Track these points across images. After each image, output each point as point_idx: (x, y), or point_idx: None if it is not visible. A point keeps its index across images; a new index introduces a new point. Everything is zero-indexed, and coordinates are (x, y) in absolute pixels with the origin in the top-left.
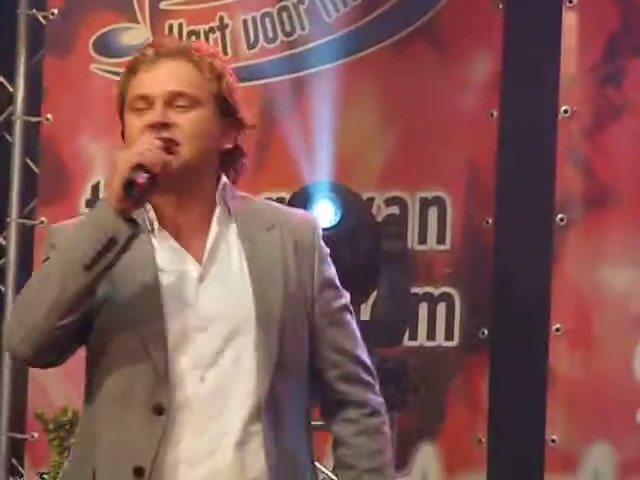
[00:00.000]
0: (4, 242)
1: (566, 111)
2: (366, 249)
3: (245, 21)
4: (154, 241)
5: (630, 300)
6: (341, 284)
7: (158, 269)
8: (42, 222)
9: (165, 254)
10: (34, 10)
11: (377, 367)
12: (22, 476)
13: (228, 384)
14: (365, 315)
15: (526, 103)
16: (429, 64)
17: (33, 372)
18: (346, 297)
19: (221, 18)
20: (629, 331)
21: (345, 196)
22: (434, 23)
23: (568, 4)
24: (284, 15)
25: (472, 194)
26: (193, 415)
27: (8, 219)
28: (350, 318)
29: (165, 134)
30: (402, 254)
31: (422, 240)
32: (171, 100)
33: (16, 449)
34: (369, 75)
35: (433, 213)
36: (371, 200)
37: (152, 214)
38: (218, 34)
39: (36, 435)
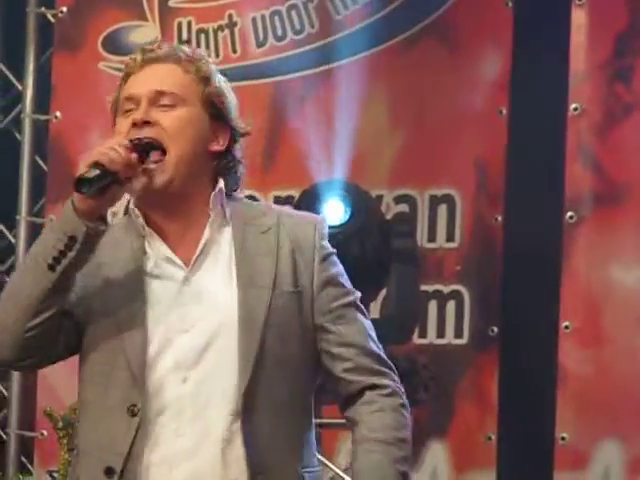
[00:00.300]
0: (13, 240)
1: (576, 109)
2: (375, 247)
3: (254, 19)
4: (147, 246)
5: None
6: (350, 282)
7: (146, 274)
8: (51, 220)
9: (155, 259)
10: (43, 8)
11: None
12: (31, 474)
13: (209, 385)
14: (375, 313)
15: (536, 101)
16: (439, 62)
17: (42, 370)
18: (353, 295)
19: (230, 16)
20: (639, 328)
21: (354, 194)
22: (444, 21)
23: (577, 2)
24: (293, 13)
25: (482, 192)
26: (174, 416)
27: (17, 217)
28: (358, 315)
29: (147, 133)
30: (412, 252)
31: (431, 238)
32: (156, 99)
33: (25, 447)
34: (379, 73)
35: (443, 211)
36: (380, 198)
37: (141, 219)
38: (227, 32)
39: (45, 433)
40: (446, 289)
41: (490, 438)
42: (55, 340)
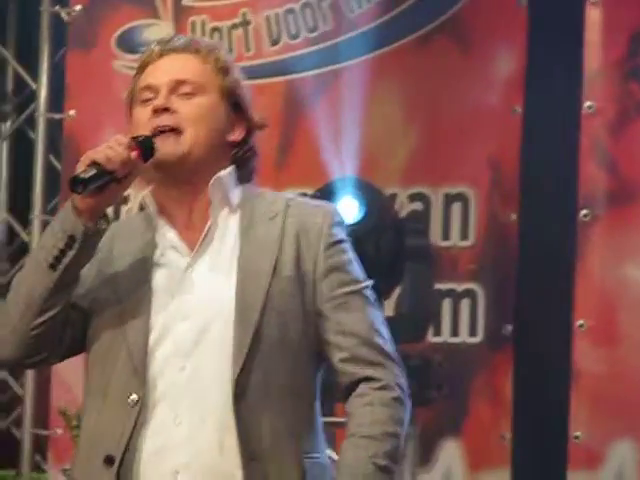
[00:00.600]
0: (27, 238)
1: (590, 107)
2: (389, 245)
3: (268, 17)
4: (157, 236)
5: None
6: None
7: (153, 264)
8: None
9: (163, 247)
10: (57, 7)
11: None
12: (46, 472)
13: (207, 373)
14: (389, 311)
15: (549, 99)
16: (452, 60)
17: (56, 368)
18: (360, 284)
19: (244, 14)
20: None
21: (368, 192)
22: (457, 19)
23: (591, 0)
24: (307, 11)
25: (496, 190)
26: (172, 405)
27: (31, 216)
28: (364, 304)
29: (166, 120)
30: (425, 250)
31: (445, 236)
32: (175, 88)
33: (40, 445)
34: (392, 71)
35: (457, 209)
36: (394, 196)
37: (153, 207)
38: (241, 30)
39: (59, 431)
40: (460, 287)
41: (504, 437)
42: (62, 337)
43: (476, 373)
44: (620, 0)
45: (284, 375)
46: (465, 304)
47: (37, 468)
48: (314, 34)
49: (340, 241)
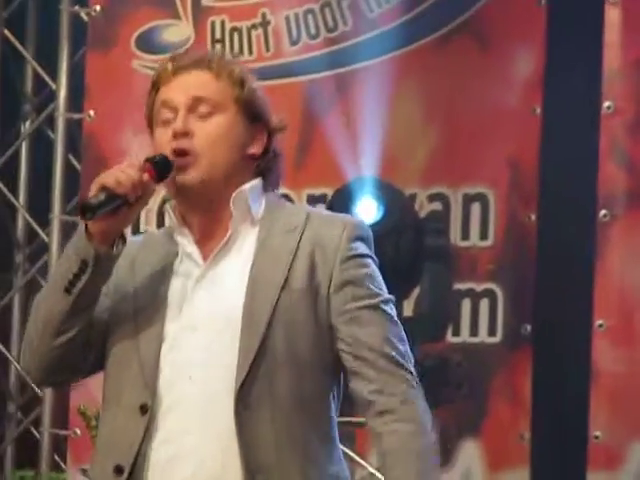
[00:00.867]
0: (47, 239)
1: (609, 107)
2: (409, 245)
3: (287, 17)
4: (178, 246)
5: None
6: (384, 280)
7: (172, 274)
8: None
9: (183, 257)
10: (77, 7)
11: (420, 363)
12: (65, 472)
13: (215, 383)
14: (408, 311)
15: (569, 99)
16: (472, 60)
17: None
18: (378, 298)
19: (263, 14)
20: None
21: (388, 192)
22: (477, 19)
23: (610, 0)
24: (326, 11)
25: (515, 190)
26: (182, 414)
27: (51, 216)
28: (379, 318)
29: (184, 144)
30: (445, 250)
31: (465, 236)
32: (193, 106)
33: (59, 445)
34: (412, 71)
35: (476, 209)
36: (414, 196)
37: (174, 217)
38: (260, 30)
39: (79, 431)
40: (479, 287)
41: (523, 437)
42: (85, 356)
43: (495, 373)
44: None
45: (291, 388)
46: (484, 304)
47: (56, 468)
48: (334, 34)
49: (359, 255)
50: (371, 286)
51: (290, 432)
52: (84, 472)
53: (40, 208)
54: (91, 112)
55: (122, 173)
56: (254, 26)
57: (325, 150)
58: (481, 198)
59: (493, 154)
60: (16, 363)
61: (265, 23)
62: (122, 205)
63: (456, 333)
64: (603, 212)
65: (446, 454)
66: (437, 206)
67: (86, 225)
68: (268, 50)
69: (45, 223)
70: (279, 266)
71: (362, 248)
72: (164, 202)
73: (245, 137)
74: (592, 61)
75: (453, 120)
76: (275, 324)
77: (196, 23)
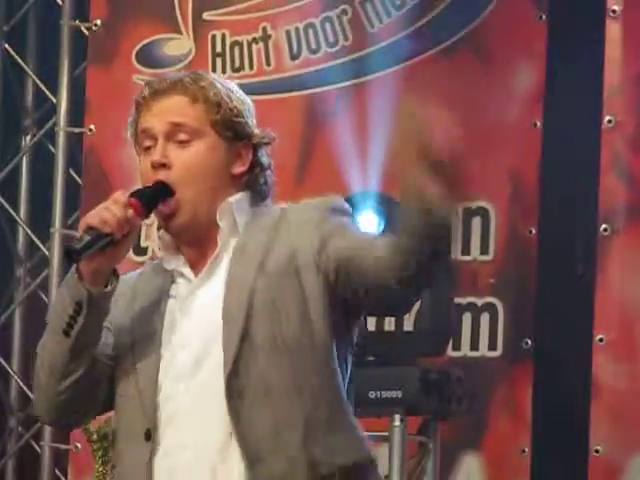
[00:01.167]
0: (48, 253)
1: (610, 121)
2: None
3: (288, 32)
4: (174, 270)
5: None
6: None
7: (169, 297)
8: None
9: (177, 279)
10: (77, 21)
11: (420, 377)
12: None
13: (207, 393)
14: (409, 325)
15: (570, 113)
16: (473, 74)
17: None
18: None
19: (264, 29)
20: None
21: (389, 206)
22: (477, 34)
23: (611, 14)
24: (327, 26)
25: (516, 204)
26: (178, 427)
27: (51, 230)
28: (350, 230)
29: (164, 176)
30: (445, 264)
31: (465, 250)
32: (172, 134)
33: (60, 460)
34: (412, 86)
35: (477, 223)
36: None
37: (164, 250)
38: (261, 45)
39: (79, 445)
40: (480, 302)
41: (524, 451)
42: (95, 394)
43: (496, 387)
44: None
45: (282, 371)
46: (485, 318)
47: None
48: (334, 49)
49: (333, 214)
50: (346, 225)
51: (288, 415)
52: None
53: (41, 222)
54: (92, 126)
55: (107, 212)
56: (255, 40)
57: (326, 164)
58: (482, 212)
59: (494, 168)
60: (17, 377)
61: (266, 37)
62: (109, 244)
63: (457, 347)
64: (604, 226)
65: (447, 468)
66: None
67: (77, 266)
68: (269, 64)
69: (46, 237)
70: (253, 261)
71: (337, 217)
72: None
73: (228, 158)
74: (593, 75)
75: (454, 134)
76: (255, 312)
77: (197, 37)
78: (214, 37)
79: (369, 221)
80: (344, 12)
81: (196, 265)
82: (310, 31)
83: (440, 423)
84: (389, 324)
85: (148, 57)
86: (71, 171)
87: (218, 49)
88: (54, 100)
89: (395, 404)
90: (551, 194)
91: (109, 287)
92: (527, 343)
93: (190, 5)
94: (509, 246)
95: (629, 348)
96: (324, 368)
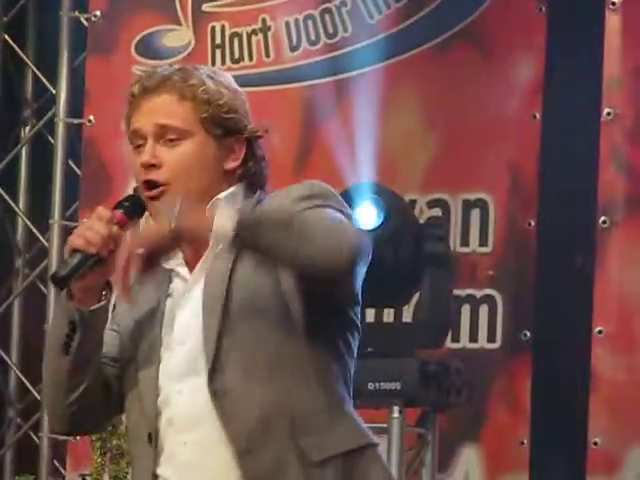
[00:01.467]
0: (47, 244)
1: (609, 113)
2: (408, 251)
3: (287, 23)
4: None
5: None
6: (383, 286)
7: (167, 296)
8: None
9: (174, 278)
10: (77, 12)
11: (419, 369)
12: (64, 477)
13: (197, 397)
14: (407, 317)
15: (569, 105)
16: (472, 67)
17: None
18: (311, 202)
19: (264, 20)
20: None
21: (388, 198)
22: (477, 26)
23: (611, 7)
24: (327, 17)
25: (515, 196)
26: (179, 428)
27: (50, 221)
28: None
29: (154, 175)
30: (444, 256)
31: (464, 242)
32: (160, 135)
33: (58, 450)
34: (412, 77)
35: (476, 215)
36: (414, 202)
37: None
38: (260, 36)
39: (78, 437)
40: (479, 293)
41: (523, 442)
42: (105, 402)
43: (495, 379)
44: None
45: (265, 366)
46: (484, 310)
47: (55, 473)
48: (334, 40)
49: (304, 209)
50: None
51: (274, 407)
52: (83, 478)
53: (40, 213)
54: (91, 117)
55: (90, 231)
56: (254, 32)
57: (325, 156)
58: (481, 204)
59: (493, 160)
60: (15, 368)
61: (265, 29)
62: (97, 263)
63: (456, 339)
64: (603, 218)
65: (446, 459)
66: (437, 212)
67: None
68: (268, 56)
69: (45, 228)
70: (230, 253)
71: (309, 203)
72: None
73: (219, 154)
74: (592, 67)
75: (453, 126)
76: (232, 305)
77: (196, 28)
78: (213, 28)
79: (368, 212)
80: (343, 3)
81: (192, 263)
82: (309, 22)
83: (439, 415)
84: (388, 316)
85: (147, 48)
86: (70, 162)
87: (218, 40)
88: (53, 91)
89: (394, 395)
90: (550, 186)
91: (102, 300)
92: (526, 335)
93: None
94: (508, 238)
95: (628, 340)
96: (308, 356)
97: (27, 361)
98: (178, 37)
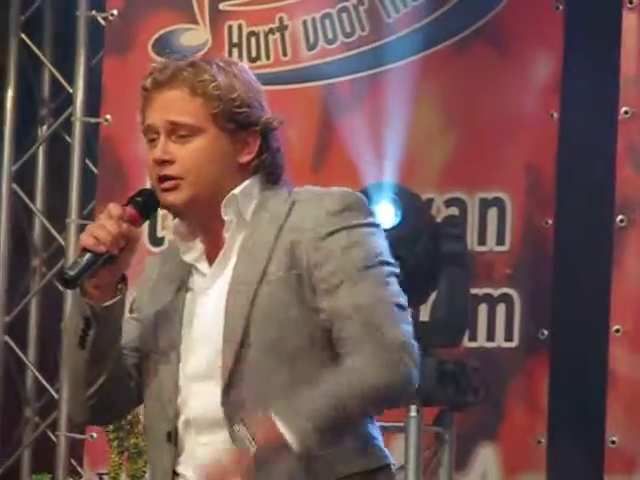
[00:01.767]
0: (64, 243)
1: (626, 112)
2: (426, 250)
3: (305, 22)
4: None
5: None
6: (400, 285)
7: (187, 290)
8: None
9: (193, 271)
10: (94, 11)
11: (437, 368)
12: (81, 476)
13: (213, 395)
14: (425, 316)
15: (586, 104)
16: (489, 65)
17: None
18: (356, 267)
19: (281, 19)
20: None
21: (405, 197)
22: (494, 24)
23: (628, 5)
24: (344, 16)
25: (532, 195)
26: (197, 429)
27: (67, 220)
28: (355, 284)
29: (167, 171)
30: (462, 255)
31: (482, 241)
32: (172, 131)
33: (75, 449)
34: (429, 76)
35: (493, 214)
36: (431, 201)
37: (178, 238)
38: (278, 35)
39: (95, 435)
40: (496, 292)
41: (540, 441)
42: (123, 393)
43: (512, 378)
44: None
45: (283, 383)
46: (501, 309)
47: (73, 472)
48: (351, 39)
49: (340, 229)
50: (352, 255)
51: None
52: (100, 477)
53: (57, 212)
54: (108, 116)
55: (100, 230)
56: (271, 31)
57: (342, 155)
58: (498, 203)
59: (510, 159)
60: (33, 368)
61: (282, 28)
62: (107, 261)
63: (473, 338)
64: (620, 217)
65: (463, 458)
66: (454, 211)
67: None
68: (285, 55)
69: (62, 227)
70: (257, 263)
71: (344, 220)
72: None
73: (232, 148)
74: (609, 66)
75: (470, 125)
76: (255, 319)
77: (213, 27)
78: (230, 27)
79: (385, 211)
80: (361, 2)
81: (210, 257)
82: (327, 21)
83: (456, 414)
84: None
85: (164, 47)
86: (87, 161)
87: (235, 40)
88: (70, 90)
89: None
90: (567, 185)
91: (117, 295)
92: (543, 334)
93: None
94: (525, 237)
95: None
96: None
97: (44, 360)
98: (195, 36)
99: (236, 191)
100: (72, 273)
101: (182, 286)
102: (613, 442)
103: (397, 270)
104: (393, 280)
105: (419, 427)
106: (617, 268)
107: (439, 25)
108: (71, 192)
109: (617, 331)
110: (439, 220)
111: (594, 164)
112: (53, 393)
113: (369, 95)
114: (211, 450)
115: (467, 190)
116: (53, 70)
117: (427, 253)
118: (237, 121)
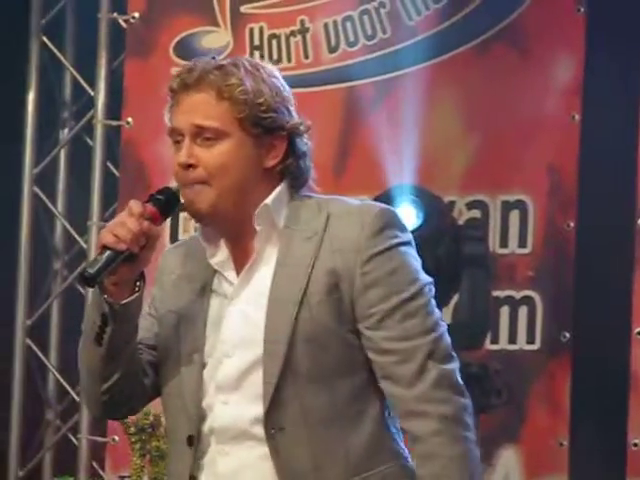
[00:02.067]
0: (85, 246)
1: None
2: (447, 252)
3: (326, 25)
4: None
5: None
6: None
7: (212, 293)
8: None
9: (218, 275)
10: (115, 14)
11: (460, 370)
12: (103, 479)
13: (245, 408)
14: (447, 318)
15: (608, 106)
16: (511, 67)
17: None
18: (404, 294)
19: (302, 22)
20: None
21: (427, 199)
22: (516, 26)
23: None
24: (365, 18)
25: (554, 197)
26: (220, 437)
27: (89, 223)
28: (404, 316)
29: (192, 174)
30: (483, 257)
31: (503, 243)
32: (197, 134)
33: (97, 452)
34: (451, 78)
35: (515, 216)
36: (453, 203)
37: (205, 243)
38: (299, 38)
39: (117, 438)
40: (518, 295)
41: (562, 444)
42: (137, 389)
43: (534, 380)
44: None
45: (323, 403)
46: (523, 311)
47: (94, 475)
48: (372, 41)
49: (380, 252)
50: (397, 282)
51: (328, 448)
52: (122, 479)
53: (78, 215)
54: (129, 119)
55: (121, 228)
56: (293, 33)
57: (365, 157)
58: (520, 205)
59: (532, 161)
60: (54, 370)
61: (304, 30)
62: (127, 258)
63: (495, 340)
64: None
65: (486, 459)
66: (476, 213)
67: None
68: (307, 57)
69: (83, 230)
70: (297, 281)
71: (386, 241)
72: None
73: (258, 153)
74: (631, 67)
75: (492, 127)
76: (297, 342)
77: (235, 30)
78: (252, 30)
79: (407, 213)
80: (382, 5)
81: (236, 263)
82: (348, 24)
83: (479, 416)
84: None
85: (186, 50)
86: (109, 164)
87: (256, 42)
88: (92, 93)
89: None
90: (589, 187)
91: (136, 293)
92: (565, 336)
93: None
94: (547, 239)
95: None
96: (364, 395)
97: (66, 363)
98: (216, 39)
99: (268, 201)
100: (92, 271)
101: (206, 287)
102: (635, 445)
103: (432, 286)
104: (433, 303)
105: None
106: (639, 270)
107: (460, 28)
108: (92, 195)
109: (639, 333)
110: (461, 222)
111: (616, 166)
112: (74, 396)
113: (391, 97)
114: (233, 460)
115: (489, 192)
116: (74, 73)
117: (449, 255)
118: (263, 126)
